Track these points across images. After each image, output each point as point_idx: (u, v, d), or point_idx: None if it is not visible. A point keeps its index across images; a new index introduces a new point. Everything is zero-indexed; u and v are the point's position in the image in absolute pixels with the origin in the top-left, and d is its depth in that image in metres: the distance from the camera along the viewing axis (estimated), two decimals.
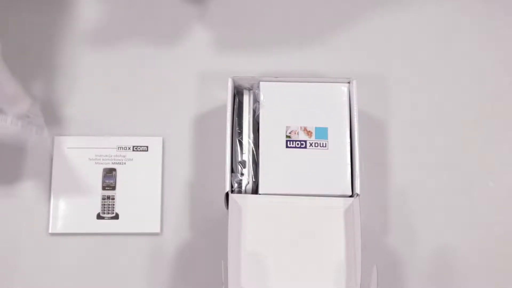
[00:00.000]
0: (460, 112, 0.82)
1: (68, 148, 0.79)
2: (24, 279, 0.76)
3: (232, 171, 0.73)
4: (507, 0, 0.86)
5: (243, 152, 0.73)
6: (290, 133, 0.73)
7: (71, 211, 0.78)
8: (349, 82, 0.75)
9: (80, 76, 0.82)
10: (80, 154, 0.79)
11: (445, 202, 0.80)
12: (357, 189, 0.71)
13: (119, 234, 0.78)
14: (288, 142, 0.73)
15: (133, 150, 0.80)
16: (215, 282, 0.72)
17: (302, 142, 0.73)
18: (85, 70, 0.82)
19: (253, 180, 0.73)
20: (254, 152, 0.74)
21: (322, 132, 0.74)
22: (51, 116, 0.80)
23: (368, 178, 0.77)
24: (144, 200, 0.78)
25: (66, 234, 0.77)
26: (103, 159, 0.79)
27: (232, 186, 0.72)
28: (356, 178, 0.72)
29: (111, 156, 0.79)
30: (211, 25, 0.85)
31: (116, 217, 0.78)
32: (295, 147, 0.73)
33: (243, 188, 0.72)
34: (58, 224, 0.77)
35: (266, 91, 0.75)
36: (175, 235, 0.78)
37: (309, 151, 0.73)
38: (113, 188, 0.78)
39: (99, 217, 0.78)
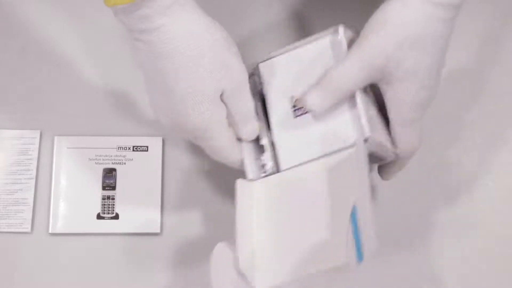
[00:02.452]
0: (460, 112, 0.82)
1: (68, 148, 0.79)
2: (24, 279, 0.76)
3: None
4: (507, 0, 0.86)
5: (261, 137, 0.71)
6: (295, 102, 0.71)
7: (71, 211, 0.78)
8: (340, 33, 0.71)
9: (80, 76, 0.82)
10: (80, 154, 0.79)
11: (445, 202, 0.80)
12: (366, 133, 0.66)
13: (119, 234, 0.78)
14: (296, 111, 0.71)
15: (133, 150, 0.80)
16: None
17: None
18: (85, 70, 0.82)
19: (274, 160, 0.71)
20: (268, 134, 0.72)
21: None
22: (51, 116, 0.80)
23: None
24: (144, 200, 0.78)
25: (66, 234, 0.77)
26: (103, 159, 0.79)
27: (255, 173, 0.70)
28: (363, 120, 0.67)
29: (111, 156, 0.79)
30: None
31: (116, 217, 0.78)
32: (302, 113, 0.71)
33: (267, 171, 0.70)
34: (58, 224, 0.77)
35: (266, 70, 0.73)
36: (175, 235, 0.78)
37: None
38: (113, 188, 0.78)
39: (99, 217, 0.78)
